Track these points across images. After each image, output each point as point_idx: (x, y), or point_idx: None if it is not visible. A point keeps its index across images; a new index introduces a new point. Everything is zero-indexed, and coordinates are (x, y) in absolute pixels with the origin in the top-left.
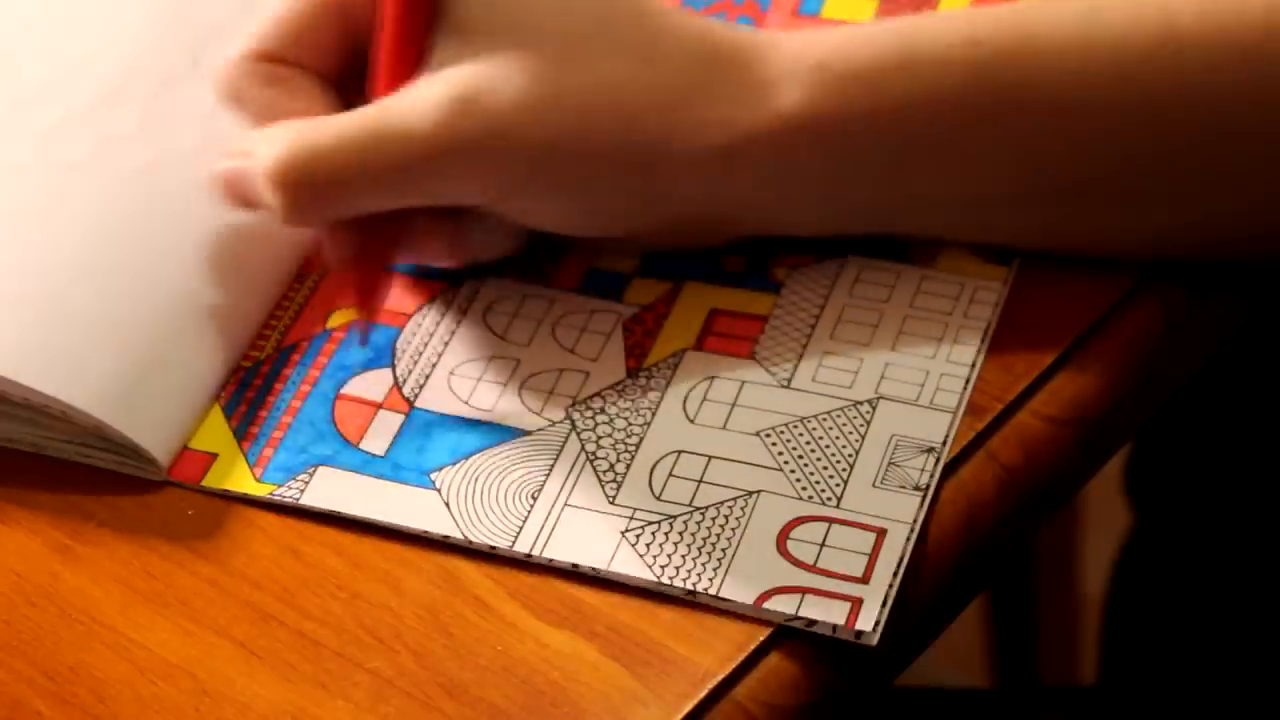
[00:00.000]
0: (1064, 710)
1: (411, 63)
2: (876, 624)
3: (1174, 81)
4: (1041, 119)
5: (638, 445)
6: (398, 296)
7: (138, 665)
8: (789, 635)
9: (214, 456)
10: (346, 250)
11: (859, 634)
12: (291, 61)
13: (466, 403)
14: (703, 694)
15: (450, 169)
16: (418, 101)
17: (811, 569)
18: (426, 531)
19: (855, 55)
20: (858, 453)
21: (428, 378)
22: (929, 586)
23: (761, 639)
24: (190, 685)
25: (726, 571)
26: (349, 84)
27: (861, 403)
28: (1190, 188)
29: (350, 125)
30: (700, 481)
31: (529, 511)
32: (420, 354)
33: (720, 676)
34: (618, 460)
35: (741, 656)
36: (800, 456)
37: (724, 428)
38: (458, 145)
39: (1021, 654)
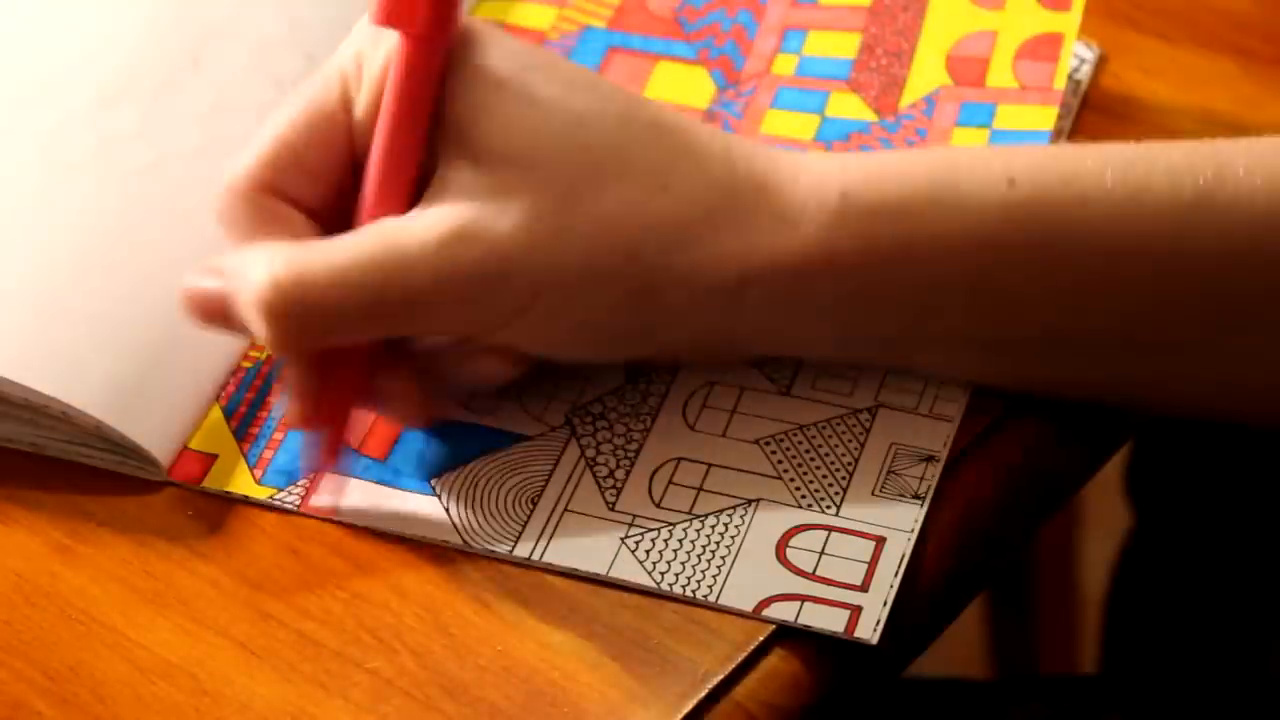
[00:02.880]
0: (1061, 701)
1: (404, 187)
2: (876, 633)
3: (1222, 232)
4: (1079, 263)
5: (637, 452)
6: None
7: (138, 665)
8: (789, 635)
9: (214, 457)
10: (309, 397)
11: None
12: (287, 185)
13: (466, 408)
14: (703, 694)
15: (446, 303)
16: (418, 231)
17: (811, 577)
18: (427, 538)
19: (881, 187)
20: (857, 461)
21: None
22: (928, 588)
23: (761, 639)
24: (190, 685)
25: (726, 579)
26: (340, 211)
27: (861, 411)
28: (1230, 342)
29: (346, 252)
30: (700, 489)
31: (528, 517)
32: None
33: (720, 676)
34: (617, 466)
35: (741, 656)
36: (799, 465)
37: (724, 435)
38: (454, 280)
39: (1021, 653)
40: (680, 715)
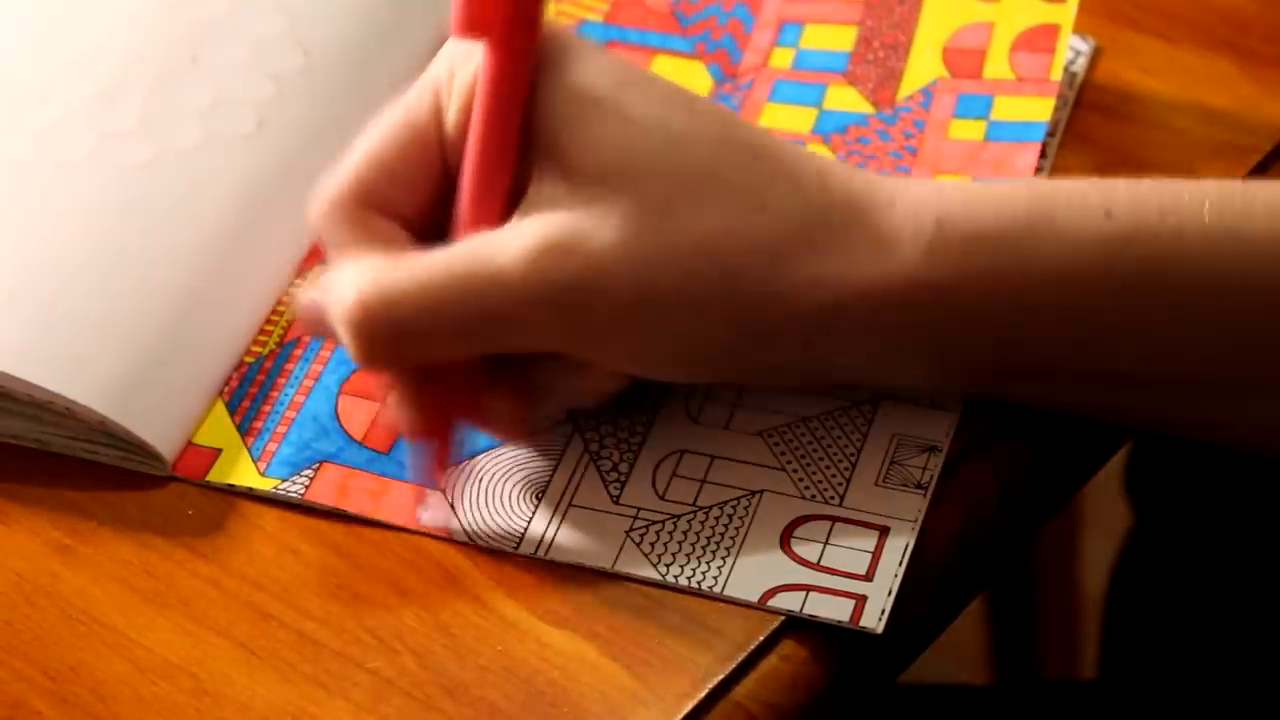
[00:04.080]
0: (1062, 704)
1: (498, 200)
2: (881, 621)
3: None
4: (1175, 297)
5: (641, 445)
6: None
7: (138, 665)
8: (789, 634)
9: (218, 452)
10: (416, 410)
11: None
12: (383, 198)
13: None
14: (703, 694)
15: (539, 317)
16: (509, 245)
17: (815, 567)
18: (430, 533)
19: (977, 216)
20: (860, 452)
21: None
22: (930, 585)
23: (762, 639)
24: (190, 685)
25: (731, 570)
26: (438, 220)
27: (863, 403)
28: None
29: (434, 268)
30: (704, 481)
31: (533, 512)
32: None
33: (720, 676)
34: (621, 460)
35: (741, 656)
36: (803, 456)
37: (726, 427)
38: (549, 293)
39: (1022, 654)
40: (680, 715)
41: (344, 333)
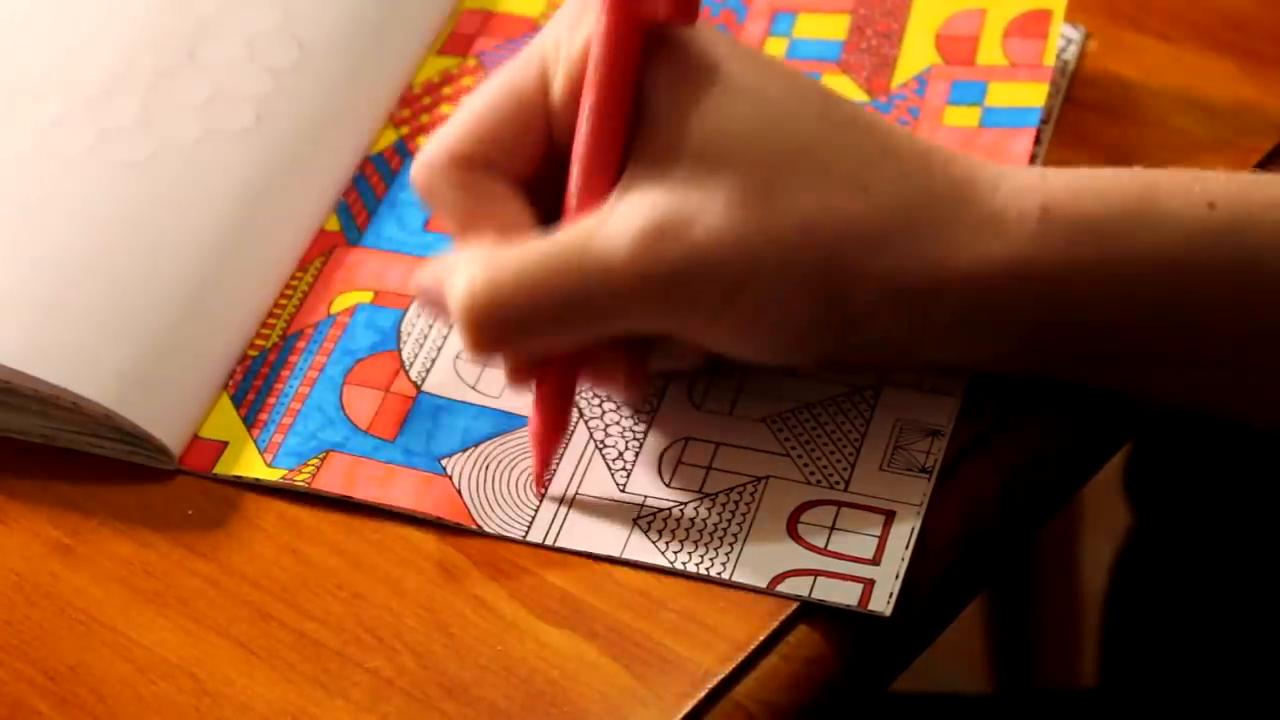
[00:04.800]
0: (1059, 713)
1: (609, 177)
2: (889, 605)
3: None
4: (1275, 288)
5: (645, 433)
6: (400, 277)
7: (138, 665)
8: (789, 634)
9: (224, 444)
10: (527, 376)
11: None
12: (486, 162)
13: (473, 388)
14: (703, 694)
15: (645, 302)
16: (613, 231)
17: (823, 552)
18: (440, 518)
19: (1082, 203)
20: (863, 437)
21: (434, 361)
22: (929, 584)
23: (761, 638)
24: (190, 685)
25: (739, 556)
26: (545, 186)
27: (865, 388)
28: None
29: (541, 258)
30: (709, 468)
31: (541, 500)
32: (426, 336)
33: (720, 676)
34: (626, 448)
35: (741, 656)
36: (807, 442)
37: (730, 414)
38: (655, 278)
39: (1022, 654)
40: (680, 715)
41: (456, 324)
